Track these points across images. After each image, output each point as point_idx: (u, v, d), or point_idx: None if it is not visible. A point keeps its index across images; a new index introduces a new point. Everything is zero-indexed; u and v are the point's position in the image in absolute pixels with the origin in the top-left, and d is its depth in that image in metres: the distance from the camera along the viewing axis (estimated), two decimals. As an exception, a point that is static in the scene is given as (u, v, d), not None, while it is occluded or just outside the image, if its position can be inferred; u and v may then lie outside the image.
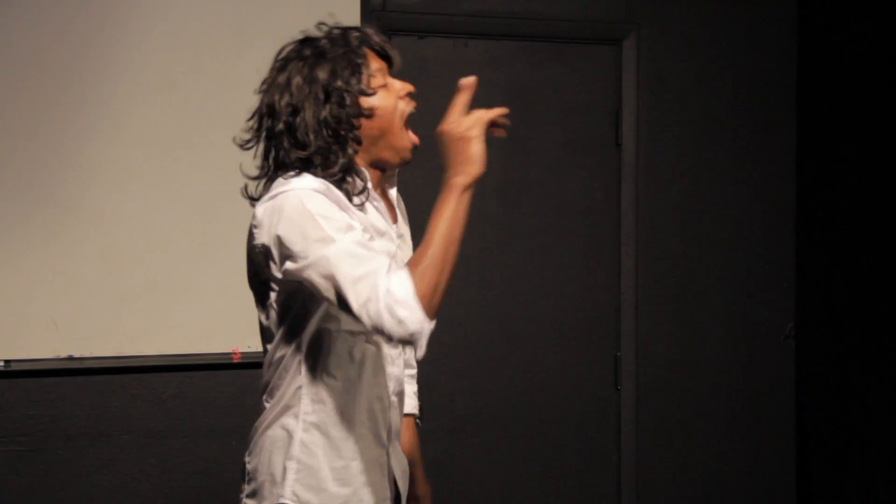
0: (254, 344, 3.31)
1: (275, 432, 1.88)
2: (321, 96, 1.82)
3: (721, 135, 3.92)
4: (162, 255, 3.32)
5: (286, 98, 1.82)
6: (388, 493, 1.97)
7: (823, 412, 3.88)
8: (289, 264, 1.74)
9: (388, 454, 1.98)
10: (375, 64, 1.89)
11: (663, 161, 3.87)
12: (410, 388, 2.22)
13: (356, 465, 1.89)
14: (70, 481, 3.35)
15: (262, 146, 1.89)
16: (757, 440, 3.97)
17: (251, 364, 3.32)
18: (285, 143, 1.83)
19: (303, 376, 1.86)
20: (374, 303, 1.66)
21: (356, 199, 1.86)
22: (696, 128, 3.90)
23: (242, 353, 3.38)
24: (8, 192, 3.21)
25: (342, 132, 1.84)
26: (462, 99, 1.85)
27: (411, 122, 1.97)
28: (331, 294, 1.70)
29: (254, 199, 1.90)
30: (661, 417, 3.90)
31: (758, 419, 3.97)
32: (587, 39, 3.82)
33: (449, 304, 3.76)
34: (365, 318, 1.67)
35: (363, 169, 1.89)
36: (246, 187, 1.92)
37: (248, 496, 1.92)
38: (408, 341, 1.72)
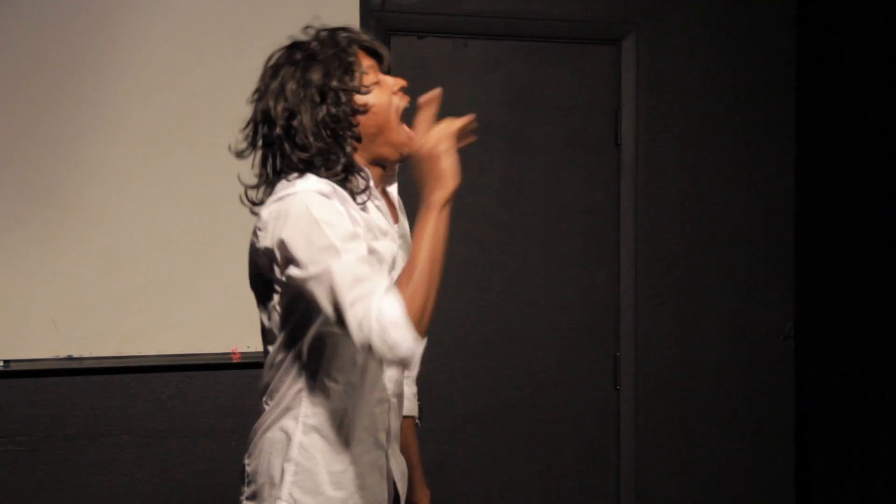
0: (253, 344, 3.32)
1: (274, 434, 1.88)
2: (317, 98, 1.82)
3: (720, 135, 3.92)
4: (162, 255, 3.32)
5: (281, 103, 1.82)
6: (385, 496, 1.97)
7: (823, 412, 3.88)
8: (292, 270, 1.75)
9: (387, 456, 1.98)
10: (366, 62, 1.90)
11: (663, 161, 3.87)
12: (410, 390, 2.22)
13: (354, 469, 1.89)
14: (69, 481, 3.35)
15: (259, 154, 1.89)
16: (756, 440, 3.97)
17: (251, 364, 3.32)
18: (285, 148, 1.83)
19: (304, 379, 1.85)
20: (367, 326, 1.67)
21: (360, 198, 1.86)
22: (696, 128, 3.90)
23: (242, 353, 3.38)
24: (8, 192, 3.21)
25: (341, 131, 1.84)
26: (424, 116, 1.85)
27: (407, 118, 1.96)
28: (329, 310, 1.71)
29: (255, 204, 1.90)
30: (660, 417, 3.90)
31: (757, 419, 3.97)
32: (586, 39, 3.82)
33: (448, 304, 3.79)
34: (358, 341, 1.69)
35: (364, 167, 1.90)
36: (245, 192, 1.92)
37: (247, 498, 1.92)
38: (399, 364, 1.74)
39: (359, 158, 1.88)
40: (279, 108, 1.82)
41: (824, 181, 3.86)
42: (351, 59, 1.86)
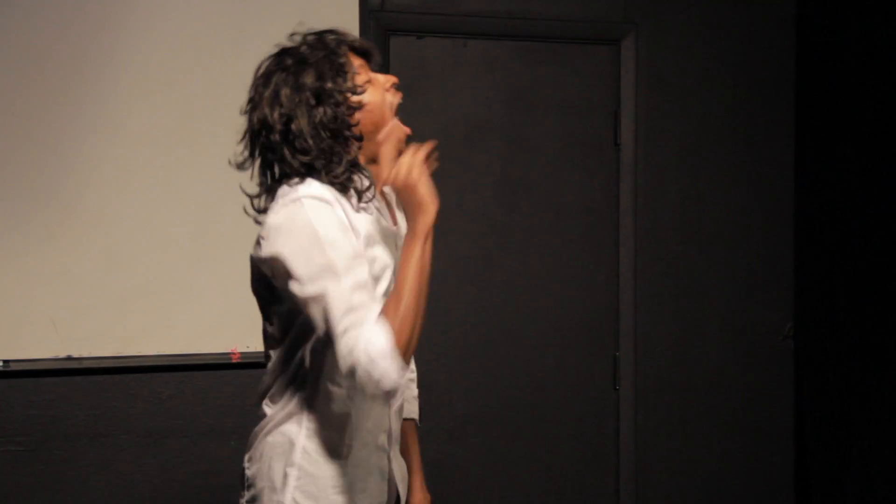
0: (253, 344, 3.33)
1: (275, 438, 1.88)
2: (312, 101, 1.82)
3: (720, 135, 3.93)
4: (161, 255, 3.32)
5: (277, 110, 1.82)
6: (386, 498, 1.97)
7: (822, 412, 3.89)
8: (291, 284, 1.76)
9: (388, 458, 1.98)
10: (356, 61, 1.91)
11: (662, 161, 3.87)
12: (410, 393, 2.22)
13: (357, 472, 1.89)
14: (69, 481, 3.34)
15: (258, 162, 1.89)
16: (756, 440, 3.97)
17: (250, 364, 3.32)
18: (285, 154, 1.83)
19: (307, 383, 1.85)
20: (355, 356, 1.69)
21: (366, 196, 1.86)
22: (695, 128, 3.90)
23: (241, 353, 3.39)
24: (7, 192, 3.21)
25: (340, 132, 1.84)
26: (386, 150, 1.87)
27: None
28: (321, 329, 1.74)
29: (260, 213, 1.90)
30: (659, 417, 3.90)
31: (757, 419, 3.97)
32: (586, 39, 3.83)
33: (448, 304, 3.79)
34: (344, 368, 1.71)
35: (365, 167, 1.90)
36: (251, 203, 1.92)
37: (247, 502, 1.92)
38: (380, 398, 1.76)
39: (354, 154, 1.88)
40: (276, 115, 1.82)
41: (824, 181, 3.86)
42: (342, 60, 1.86)
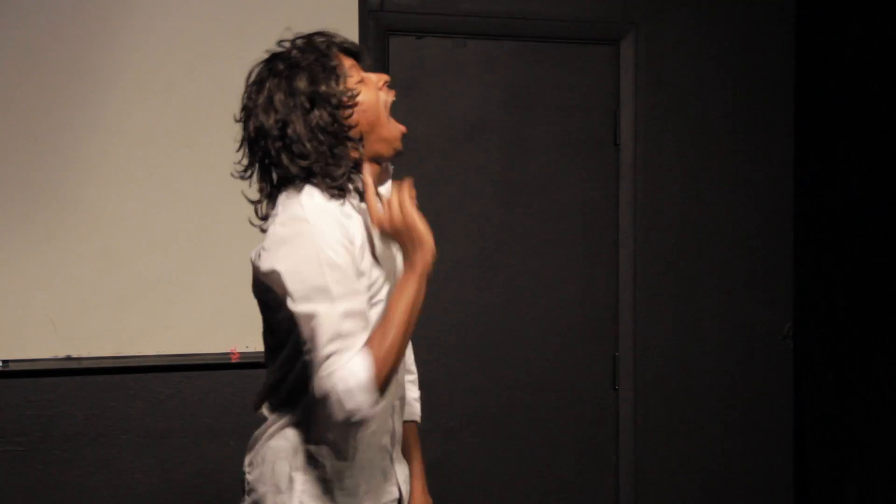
0: (252, 344, 3.33)
1: (278, 443, 1.88)
2: (307, 105, 1.81)
3: (719, 135, 3.93)
4: (160, 255, 3.32)
5: (272, 116, 1.82)
6: (389, 499, 1.97)
7: (822, 412, 3.89)
8: (286, 298, 1.76)
9: (391, 459, 1.98)
10: (347, 62, 1.89)
11: (661, 161, 3.87)
12: (411, 394, 2.21)
13: (363, 474, 1.89)
14: (68, 481, 3.34)
15: (258, 169, 1.89)
16: (755, 440, 3.97)
17: (250, 364, 3.32)
18: (284, 160, 1.82)
19: (309, 387, 1.84)
20: (333, 382, 1.70)
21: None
22: (694, 128, 3.90)
23: (241, 352, 3.38)
24: (7, 191, 3.21)
25: (338, 134, 1.84)
26: (370, 193, 1.85)
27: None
28: (306, 348, 1.75)
29: (263, 219, 1.90)
30: (659, 418, 3.90)
31: (756, 419, 3.97)
32: (585, 40, 3.83)
33: (447, 304, 3.79)
34: (318, 391, 1.72)
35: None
36: (256, 210, 1.92)
37: None
38: (345, 425, 1.76)
39: (354, 156, 1.87)
40: (271, 121, 1.82)
41: (823, 181, 3.86)
42: (333, 62, 1.85)
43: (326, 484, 1.86)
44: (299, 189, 1.82)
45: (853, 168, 3.70)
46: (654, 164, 3.86)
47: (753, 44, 3.94)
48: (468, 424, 3.75)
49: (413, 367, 2.22)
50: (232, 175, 1.91)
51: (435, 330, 3.60)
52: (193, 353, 3.37)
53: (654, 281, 3.88)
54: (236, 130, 1.91)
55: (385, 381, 1.73)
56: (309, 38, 1.89)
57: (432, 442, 3.54)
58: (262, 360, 1.97)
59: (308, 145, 1.81)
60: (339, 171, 1.82)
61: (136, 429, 3.39)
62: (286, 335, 1.86)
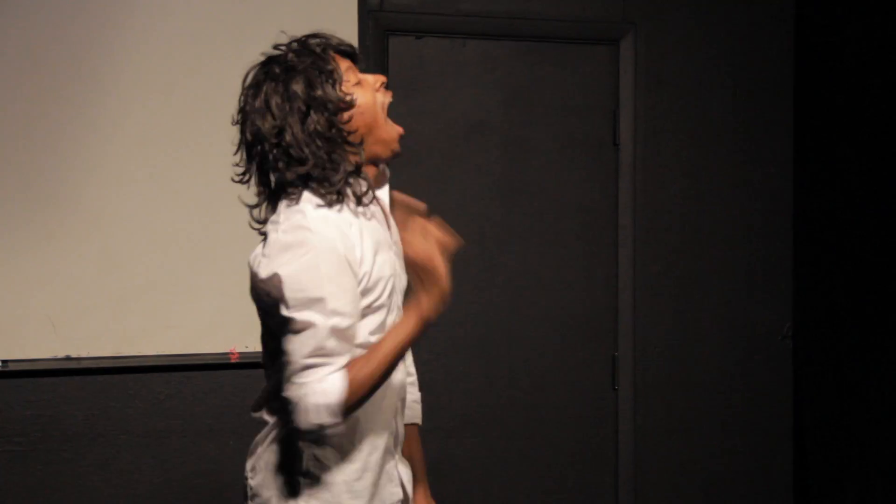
0: (251, 344, 3.32)
1: (280, 447, 1.87)
2: (304, 109, 1.80)
3: (719, 135, 3.93)
4: (160, 255, 3.31)
5: (269, 121, 1.80)
6: (395, 500, 1.97)
7: (821, 412, 3.89)
8: (280, 303, 1.76)
9: (394, 460, 1.97)
10: (343, 64, 1.88)
11: (661, 161, 3.87)
12: (411, 397, 2.19)
13: (369, 476, 1.89)
14: (68, 481, 3.34)
15: (256, 173, 1.88)
16: (755, 440, 3.97)
17: (249, 364, 3.32)
18: (281, 165, 1.81)
19: None
20: (305, 392, 1.72)
21: (365, 199, 1.85)
22: (694, 128, 3.90)
23: (240, 353, 3.38)
24: (6, 191, 3.21)
25: (335, 139, 1.83)
26: (415, 223, 1.82)
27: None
28: (282, 349, 1.76)
29: (261, 223, 1.90)
30: (658, 417, 3.90)
31: (756, 419, 3.97)
32: (585, 40, 3.83)
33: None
34: (286, 394, 1.74)
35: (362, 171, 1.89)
36: (252, 214, 1.92)
37: None
38: (306, 434, 1.78)
39: (354, 160, 1.86)
40: (268, 126, 1.80)
41: (823, 181, 3.86)
42: (329, 65, 1.84)
43: (334, 487, 1.86)
44: (298, 195, 1.81)
45: (853, 168, 3.70)
46: (654, 164, 3.86)
47: (753, 44, 3.94)
48: (468, 424, 3.75)
49: (412, 369, 2.21)
50: (232, 179, 1.91)
51: (435, 330, 3.59)
52: (193, 353, 3.37)
53: (654, 281, 3.88)
54: (235, 132, 1.90)
55: (353, 408, 1.75)
56: (304, 40, 1.87)
57: (432, 442, 3.54)
58: (261, 360, 1.97)
59: (305, 150, 1.80)
60: (337, 177, 1.81)
61: (135, 429, 3.39)
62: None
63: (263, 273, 1.78)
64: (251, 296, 1.90)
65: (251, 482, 1.92)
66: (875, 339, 3.58)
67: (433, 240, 1.77)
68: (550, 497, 3.83)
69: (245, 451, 1.97)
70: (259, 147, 1.83)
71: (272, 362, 1.90)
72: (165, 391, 3.41)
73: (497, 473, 3.78)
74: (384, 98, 1.92)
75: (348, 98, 1.83)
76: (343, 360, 1.74)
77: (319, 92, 1.81)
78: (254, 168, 1.87)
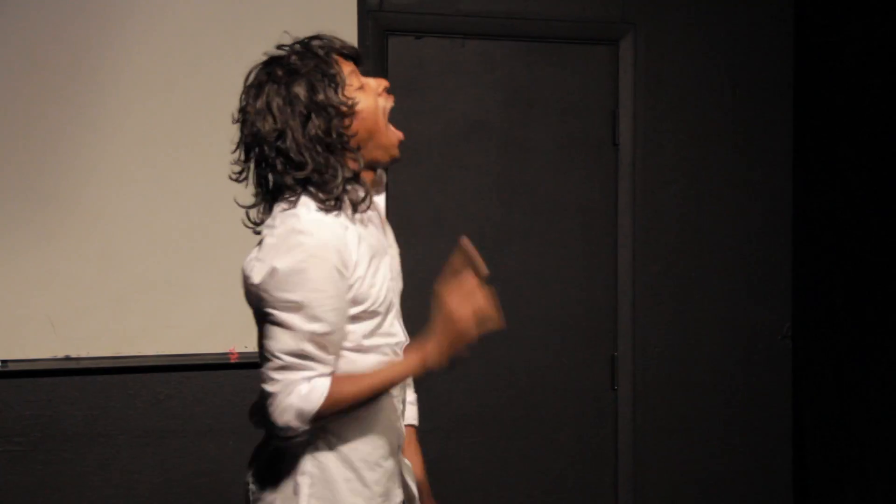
0: (251, 344, 3.30)
1: (282, 451, 1.87)
2: (305, 113, 1.80)
3: (718, 135, 3.93)
4: (159, 255, 3.32)
5: (269, 123, 1.80)
6: (398, 499, 1.97)
7: (821, 412, 3.89)
8: (269, 303, 1.77)
9: (397, 461, 1.98)
10: (346, 67, 1.87)
11: (660, 161, 3.87)
12: (408, 398, 2.19)
13: (371, 476, 1.89)
14: (67, 481, 3.34)
15: (254, 174, 1.88)
16: (754, 440, 3.98)
17: (249, 364, 3.31)
18: (279, 167, 1.81)
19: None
20: (278, 388, 1.74)
21: (362, 206, 1.85)
22: (693, 128, 3.91)
23: (240, 353, 3.39)
24: (6, 192, 3.21)
25: (336, 145, 1.82)
26: (472, 279, 1.82)
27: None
28: (262, 343, 1.78)
29: (257, 225, 1.90)
30: (658, 417, 3.90)
31: (755, 419, 3.97)
32: (584, 40, 3.83)
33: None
34: (263, 389, 1.76)
35: (361, 177, 1.88)
36: (247, 215, 1.92)
37: None
38: (266, 428, 1.81)
39: (353, 166, 1.86)
40: (268, 128, 1.80)
41: (822, 181, 3.86)
42: (332, 69, 1.83)
43: (336, 486, 1.86)
44: (295, 199, 1.81)
45: (852, 168, 3.70)
46: (654, 164, 3.86)
47: (753, 44, 3.94)
48: (468, 424, 3.75)
49: None
50: (229, 177, 1.91)
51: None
52: (192, 353, 3.37)
53: (653, 281, 3.88)
54: (235, 132, 1.90)
55: (324, 417, 1.77)
56: (308, 42, 1.87)
57: (432, 442, 3.54)
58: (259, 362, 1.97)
59: (305, 154, 1.79)
60: (336, 183, 1.81)
61: (135, 429, 3.39)
62: None
63: (257, 277, 1.78)
64: (246, 300, 1.90)
65: (252, 486, 1.92)
66: (875, 339, 3.58)
67: (474, 306, 1.79)
68: (550, 497, 3.84)
69: (245, 450, 1.97)
70: (258, 148, 1.83)
71: None
72: (165, 391, 3.41)
73: (497, 473, 3.78)
74: (386, 103, 1.91)
75: (350, 103, 1.83)
76: (322, 368, 1.76)
77: (321, 96, 1.80)
78: (251, 168, 1.87)
